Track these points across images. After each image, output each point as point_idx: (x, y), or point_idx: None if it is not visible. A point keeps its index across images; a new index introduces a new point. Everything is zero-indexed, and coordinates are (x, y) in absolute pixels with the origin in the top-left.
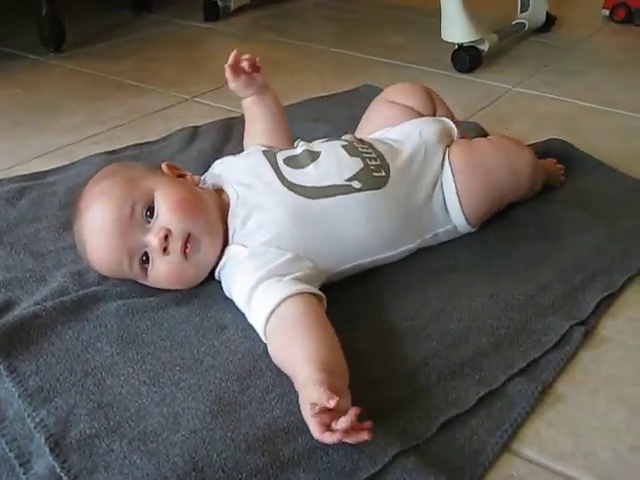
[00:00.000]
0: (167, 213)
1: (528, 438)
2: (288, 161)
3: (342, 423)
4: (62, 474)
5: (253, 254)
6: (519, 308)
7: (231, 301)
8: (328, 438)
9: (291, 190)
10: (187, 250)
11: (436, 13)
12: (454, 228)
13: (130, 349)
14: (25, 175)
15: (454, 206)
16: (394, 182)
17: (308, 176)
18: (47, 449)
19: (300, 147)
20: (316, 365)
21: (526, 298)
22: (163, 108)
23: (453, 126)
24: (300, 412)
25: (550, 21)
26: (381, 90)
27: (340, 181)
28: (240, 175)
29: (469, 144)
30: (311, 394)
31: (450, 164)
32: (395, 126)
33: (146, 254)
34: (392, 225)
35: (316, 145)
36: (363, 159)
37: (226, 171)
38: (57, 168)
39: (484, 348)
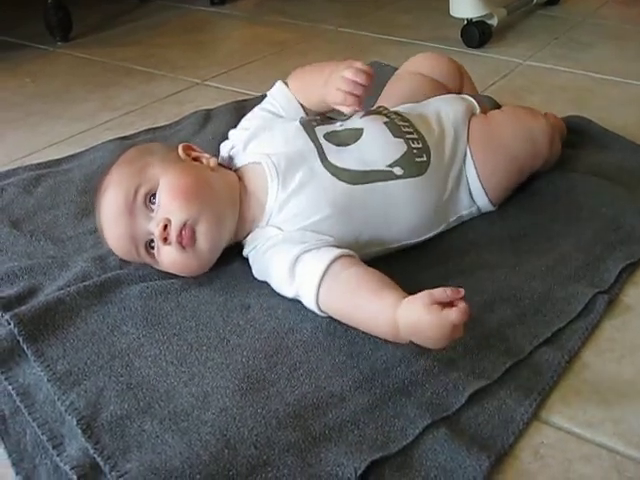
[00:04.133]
0: (167, 202)
1: (557, 406)
2: (329, 137)
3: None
4: (95, 455)
5: (290, 238)
6: (541, 278)
7: (254, 281)
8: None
9: (333, 175)
10: (183, 242)
11: None
12: (477, 210)
13: (156, 331)
14: (40, 163)
15: (476, 185)
16: (433, 167)
17: (350, 157)
18: (79, 431)
19: (339, 122)
20: (397, 297)
21: (548, 268)
22: (174, 93)
23: (475, 103)
24: (329, 386)
25: None
26: (391, 67)
27: (382, 166)
28: (277, 147)
29: (484, 118)
30: (450, 316)
31: (468, 141)
32: (420, 102)
33: (152, 241)
34: (426, 211)
35: (356, 120)
36: (406, 141)
37: (252, 138)
38: (72, 155)
39: (509, 319)
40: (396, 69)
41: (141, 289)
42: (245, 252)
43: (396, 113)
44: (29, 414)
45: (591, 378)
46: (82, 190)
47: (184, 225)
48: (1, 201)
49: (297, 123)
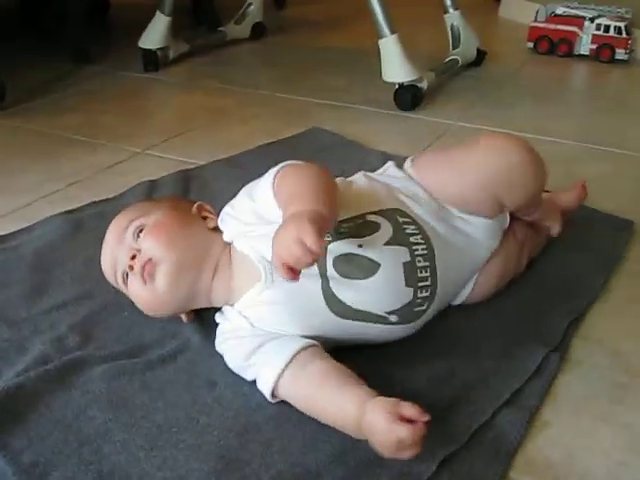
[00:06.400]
0: (144, 236)
1: (524, 465)
2: (341, 262)
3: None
4: None
5: (256, 334)
6: (500, 338)
7: (218, 356)
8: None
9: (327, 303)
10: (144, 273)
11: (369, 52)
12: None
13: (122, 414)
14: None
15: (463, 299)
16: (428, 313)
17: (352, 293)
18: None
19: (360, 240)
20: (366, 395)
21: (504, 327)
22: (116, 163)
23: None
24: (304, 463)
25: (481, 56)
26: (329, 132)
27: (380, 312)
28: None
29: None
30: (399, 431)
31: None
32: (467, 213)
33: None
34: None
35: (379, 247)
36: (415, 290)
37: (256, 234)
38: (18, 231)
39: (472, 381)
40: (334, 134)
41: (103, 370)
42: (217, 318)
43: (426, 244)
44: None
45: (552, 434)
46: (34, 267)
47: (149, 260)
48: None
49: None
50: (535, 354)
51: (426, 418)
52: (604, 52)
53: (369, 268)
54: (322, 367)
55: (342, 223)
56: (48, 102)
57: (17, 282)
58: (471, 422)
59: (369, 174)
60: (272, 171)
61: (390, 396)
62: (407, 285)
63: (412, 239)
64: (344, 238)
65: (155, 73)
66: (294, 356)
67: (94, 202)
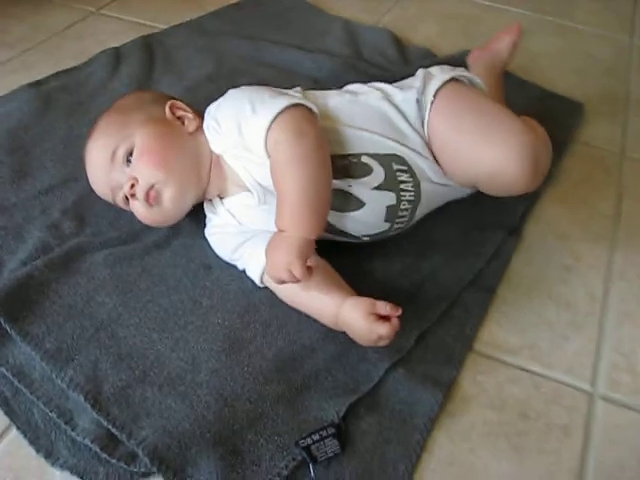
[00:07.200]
0: (136, 162)
1: (485, 338)
2: (335, 195)
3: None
4: (109, 426)
5: (243, 232)
6: (461, 224)
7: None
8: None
9: None
10: (149, 200)
11: None
12: None
13: (130, 299)
14: None
15: None
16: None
17: (337, 218)
18: (88, 405)
19: (351, 181)
20: (344, 295)
21: (463, 215)
22: (70, 25)
23: None
24: (300, 339)
25: None
26: None
27: (357, 234)
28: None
29: None
30: (379, 330)
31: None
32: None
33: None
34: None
35: (367, 190)
36: (392, 224)
37: (246, 159)
38: None
39: (438, 264)
40: None
41: (105, 256)
42: (206, 210)
43: (415, 191)
44: (31, 393)
45: (508, 311)
46: (9, 149)
47: (151, 187)
48: None
49: None
50: (494, 238)
51: (399, 313)
52: None
53: (354, 205)
54: None
55: (339, 159)
56: None
57: None
58: (440, 302)
59: (389, 91)
60: (267, 115)
61: (368, 284)
62: (385, 221)
63: (402, 186)
64: (338, 177)
65: None
66: None
67: (59, 72)
